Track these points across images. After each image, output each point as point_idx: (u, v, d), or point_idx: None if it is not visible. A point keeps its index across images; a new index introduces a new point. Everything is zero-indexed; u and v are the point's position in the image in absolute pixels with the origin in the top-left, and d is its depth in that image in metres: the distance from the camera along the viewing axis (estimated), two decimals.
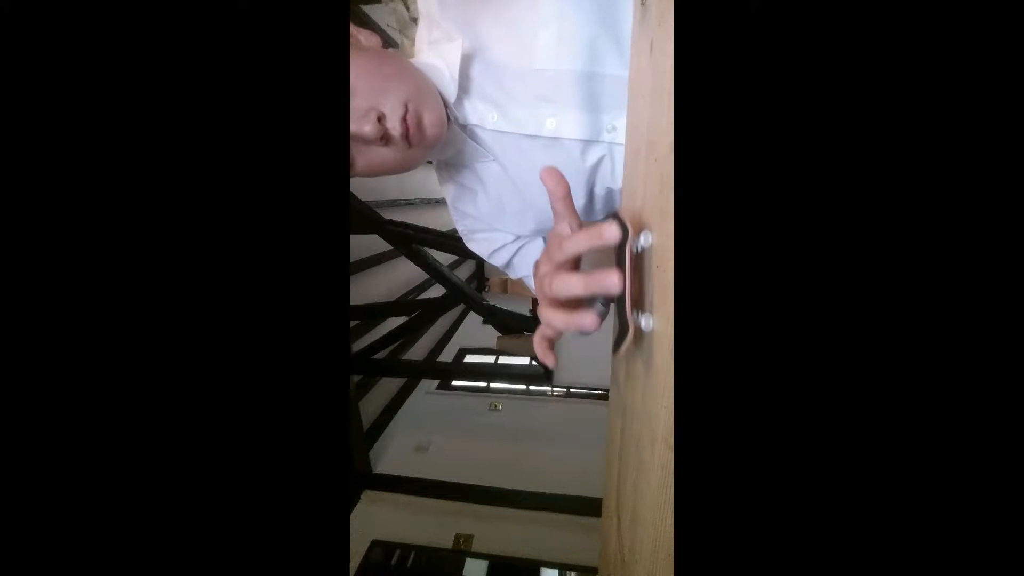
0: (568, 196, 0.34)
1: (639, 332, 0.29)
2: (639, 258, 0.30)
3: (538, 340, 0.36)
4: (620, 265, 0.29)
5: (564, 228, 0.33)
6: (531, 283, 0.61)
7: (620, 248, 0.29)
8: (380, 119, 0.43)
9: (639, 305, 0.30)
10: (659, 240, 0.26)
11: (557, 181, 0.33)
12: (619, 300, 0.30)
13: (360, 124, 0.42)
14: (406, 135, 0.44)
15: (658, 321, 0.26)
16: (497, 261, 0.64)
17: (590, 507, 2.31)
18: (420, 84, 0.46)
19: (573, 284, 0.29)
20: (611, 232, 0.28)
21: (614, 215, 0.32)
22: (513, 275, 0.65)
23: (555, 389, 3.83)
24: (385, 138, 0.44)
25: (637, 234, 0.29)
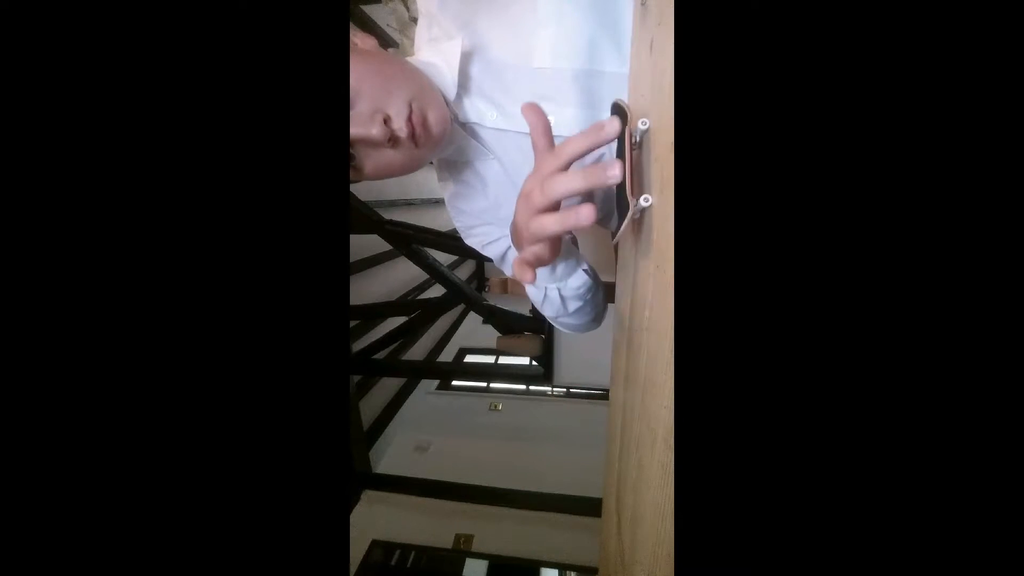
0: (548, 129, 0.33)
1: (638, 215, 0.29)
2: (638, 145, 0.30)
3: (519, 262, 0.33)
4: (619, 156, 0.29)
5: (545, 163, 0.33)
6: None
7: (619, 137, 0.29)
8: (386, 121, 0.43)
9: (638, 192, 0.29)
10: (659, 241, 0.26)
11: (538, 115, 0.33)
12: (619, 189, 0.30)
13: (367, 127, 0.42)
14: (412, 135, 0.44)
15: (658, 321, 0.26)
16: (491, 253, 0.64)
17: (590, 507, 2.31)
18: (422, 83, 0.46)
19: (572, 180, 0.29)
20: (612, 126, 0.27)
21: (615, 105, 0.32)
22: (507, 270, 0.65)
23: (555, 389, 3.83)
24: (392, 139, 0.44)
25: (636, 121, 0.29)
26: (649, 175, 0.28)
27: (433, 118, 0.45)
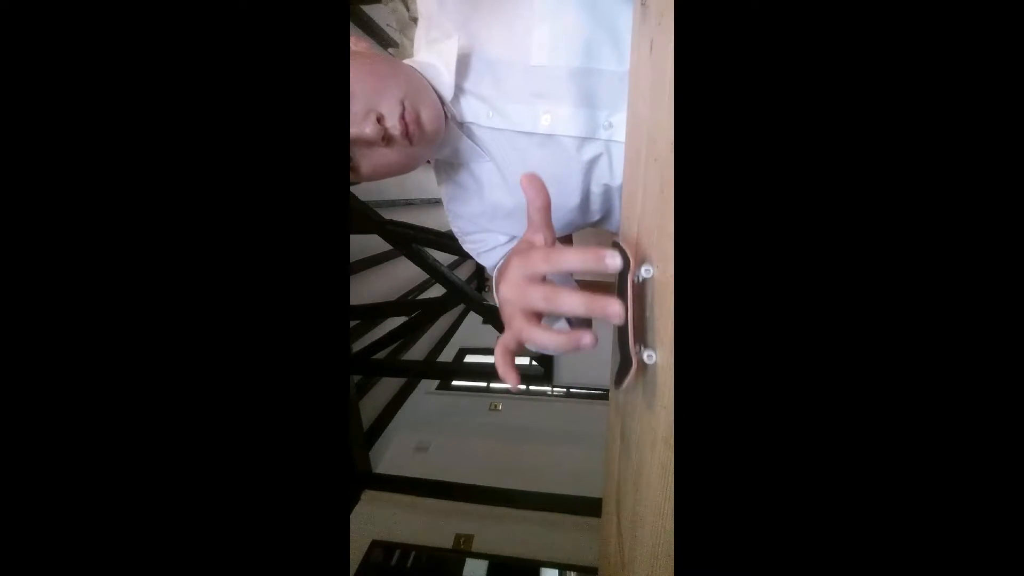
0: (547, 208, 0.32)
1: (642, 365, 0.28)
2: (640, 288, 0.29)
3: (502, 353, 0.31)
4: (621, 295, 0.28)
5: (538, 239, 0.32)
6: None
7: (621, 278, 0.28)
8: (379, 120, 0.43)
9: (641, 338, 0.29)
10: (659, 241, 0.26)
11: (538, 191, 0.31)
12: (620, 332, 0.29)
13: (361, 127, 0.43)
14: (406, 133, 0.44)
15: (658, 321, 0.26)
16: (486, 262, 0.63)
17: (590, 507, 2.30)
18: (414, 82, 0.46)
19: (576, 304, 0.28)
20: (613, 261, 0.26)
21: (615, 244, 0.31)
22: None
23: (555, 389, 3.83)
24: (386, 138, 0.44)
25: (638, 266, 0.28)
26: (654, 325, 0.27)
27: (426, 116, 0.45)
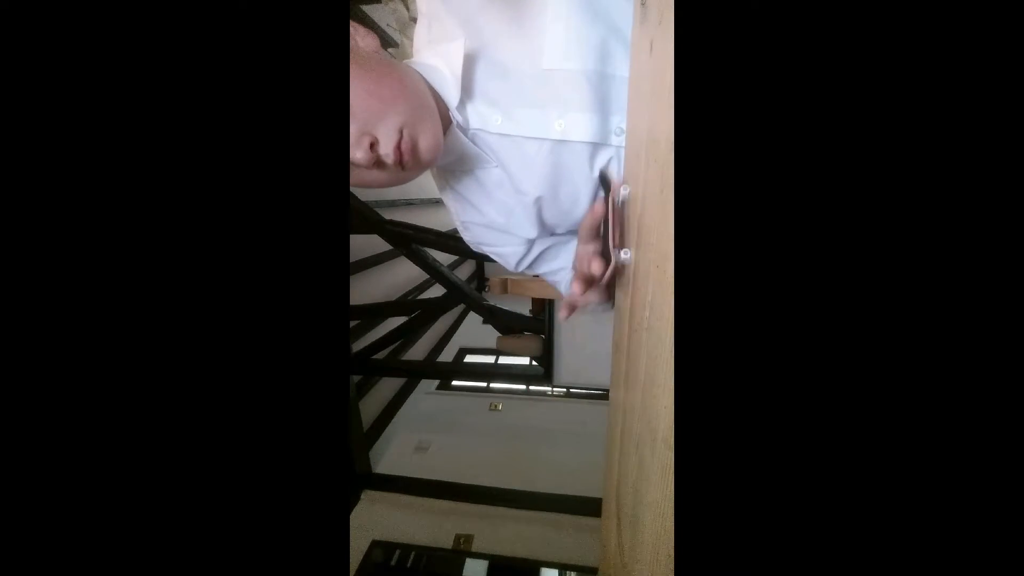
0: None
1: (619, 263, 0.38)
2: (620, 207, 0.39)
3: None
4: (606, 210, 0.40)
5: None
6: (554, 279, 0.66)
7: (606, 196, 0.40)
8: (373, 145, 0.41)
9: (619, 244, 0.38)
10: (659, 241, 0.26)
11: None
12: (605, 241, 0.40)
13: (352, 151, 0.41)
14: (399, 161, 0.43)
15: (658, 321, 0.26)
16: (510, 265, 0.62)
17: (590, 507, 2.30)
18: (417, 105, 0.44)
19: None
20: (597, 266, 0.40)
21: (601, 175, 0.41)
22: (534, 271, 0.65)
23: (555, 389, 3.83)
24: (377, 164, 0.43)
25: (618, 188, 0.39)
26: (629, 233, 0.37)
27: (424, 145, 0.44)
